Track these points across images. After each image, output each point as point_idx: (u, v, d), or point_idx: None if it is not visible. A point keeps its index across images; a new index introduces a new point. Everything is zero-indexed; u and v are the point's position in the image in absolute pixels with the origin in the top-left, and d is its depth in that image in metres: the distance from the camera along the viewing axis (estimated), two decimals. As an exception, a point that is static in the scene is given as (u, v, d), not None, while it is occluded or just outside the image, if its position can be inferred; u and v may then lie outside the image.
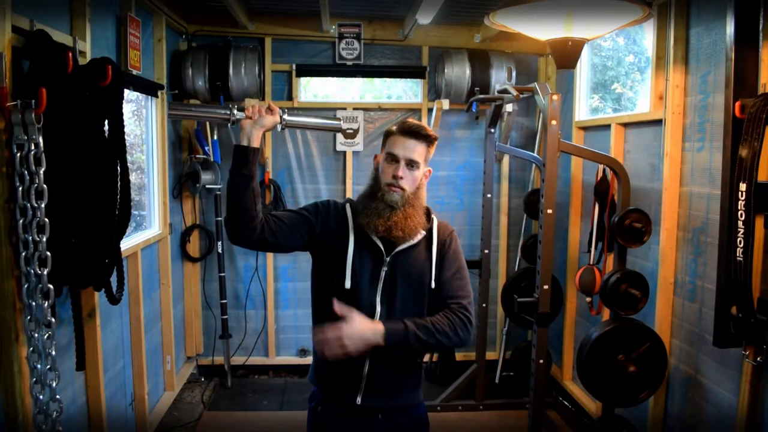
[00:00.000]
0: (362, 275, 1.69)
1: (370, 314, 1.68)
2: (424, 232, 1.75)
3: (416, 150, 1.68)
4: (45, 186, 1.88)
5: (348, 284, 1.67)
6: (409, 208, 1.68)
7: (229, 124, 1.69)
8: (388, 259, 1.70)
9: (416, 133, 1.69)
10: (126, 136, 2.26)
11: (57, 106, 1.94)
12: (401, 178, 1.67)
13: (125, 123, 2.25)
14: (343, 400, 1.74)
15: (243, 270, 4.33)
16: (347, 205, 1.76)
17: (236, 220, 1.61)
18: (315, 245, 1.73)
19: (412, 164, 1.68)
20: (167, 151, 3.67)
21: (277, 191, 4.19)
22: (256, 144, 1.63)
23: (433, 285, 1.74)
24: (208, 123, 3.96)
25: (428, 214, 1.79)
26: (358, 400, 1.72)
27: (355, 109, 4.26)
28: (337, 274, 1.69)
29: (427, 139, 1.70)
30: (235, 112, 1.65)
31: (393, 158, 1.69)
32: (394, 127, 1.73)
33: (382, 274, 1.70)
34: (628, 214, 2.72)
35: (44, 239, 1.88)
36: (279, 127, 1.67)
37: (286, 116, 1.64)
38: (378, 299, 1.69)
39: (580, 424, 3.57)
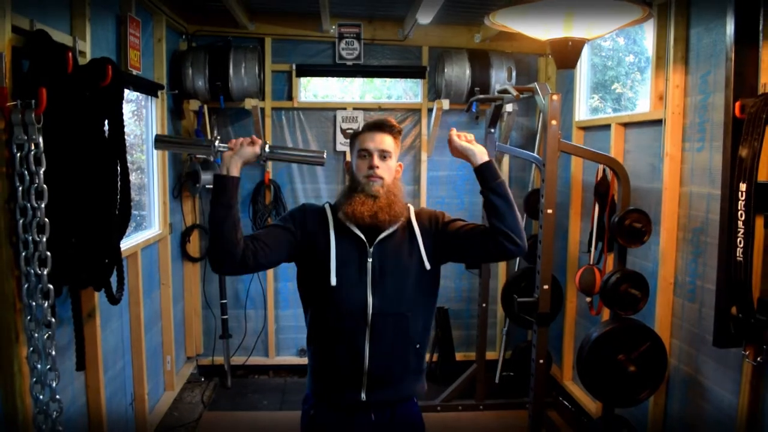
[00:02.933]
0: (348, 270, 1.70)
1: (362, 307, 1.69)
2: (402, 219, 1.77)
3: (385, 141, 1.73)
4: (45, 186, 1.88)
5: (334, 281, 1.68)
6: (391, 195, 1.72)
7: (211, 157, 1.71)
8: (371, 249, 1.71)
9: (382, 126, 1.74)
10: (126, 136, 2.26)
11: (57, 106, 1.94)
12: (377, 167, 1.70)
13: (125, 123, 2.25)
14: (344, 398, 1.74)
15: (243, 270, 4.33)
16: (326, 205, 1.80)
17: (217, 250, 1.62)
18: (299, 252, 1.74)
19: (384, 154, 1.73)
20: (167, 150, 3.67)
21: (277, 191, 4.19)
22: (234, 173, 1.64)
23: (428, 266, 1.75)
24: (208, 123, 3.96)
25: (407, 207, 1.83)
26: (363, 395, 1.72)
27: (355, 109, 4.26)
28: (322, 273, 1.69)
29: (393, 130, 1.76)
30: (217, 144, 1.68)
31: (365, 152, 1.73)
32: (359, 128, 1.80)
33: (369, 265, 1.70)
34: (628, 214, 2.72)
35: (44, 239, 1.88)
36: (260, 161, 1.72)
37: (267, 148, 1.69)
38: (369, 291, 1.69)
39: (580, 424, 3.57)
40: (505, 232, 1.66)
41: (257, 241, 1.66)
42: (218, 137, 1.72)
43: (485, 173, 1.72)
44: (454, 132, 1.77)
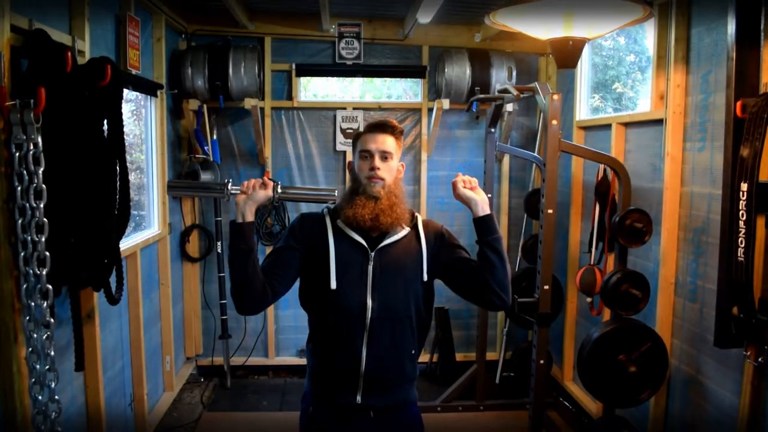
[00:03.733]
0: (348, 274, 1.71)
1: (362, 311, 1.70)
2: (408, 228, 1.78)
3: (387, 142, 1.74)
4: (44, 186, 1.87)
5: (333, 284, 1.70)
6: (393, 197, 1.73)
7: (224, 199, 1.74)
8: (373, 254, 1.72)
9: (383, 127, 1.76)
10: (125, 136, 2.26)
11: (56, 105, 1.94)
12: (378, 168, 1.72)
13: (124, 122, 2.25)
14: (340, 400, 1.74)
15: (243, 270, 4.32)
16: (325, 210, 1.81)
17: (242, 295, 1.67)
18: (303, 263, 1.76)
19: (385, 155, 1.74)
20: (167, 150, 3.67)
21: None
22: (249, 218, 1.68)
23: (425, 278, 1.76)
24: (207, 123, 3.95)
25: (411, 213, 1.84)
26: (358, 398, 1.72)
27: (355, 108, 4.25)
28: (322, 277, 1.71)
29: (395, 131, 1.77)
30: (230, 187, 1.70)
31: (367, 154, 1.74)
32: (361, 129, 1.79)
33: (369, 269, 1.71)
34: (629, 214, 2.71)
35: (43, 239, 1.88)
36: (273, 203, 1.74)
37: (279, 190, 1.74)
38: (368, 295, 1.70)
39: (581, 425, 3.56)
40: (493, 289, 1.71)
41: (271, 275, 1.70)
42: (230, 180, 1.76)
43: (484, 226, 1.74)
44: (459, 178, 1.78)
